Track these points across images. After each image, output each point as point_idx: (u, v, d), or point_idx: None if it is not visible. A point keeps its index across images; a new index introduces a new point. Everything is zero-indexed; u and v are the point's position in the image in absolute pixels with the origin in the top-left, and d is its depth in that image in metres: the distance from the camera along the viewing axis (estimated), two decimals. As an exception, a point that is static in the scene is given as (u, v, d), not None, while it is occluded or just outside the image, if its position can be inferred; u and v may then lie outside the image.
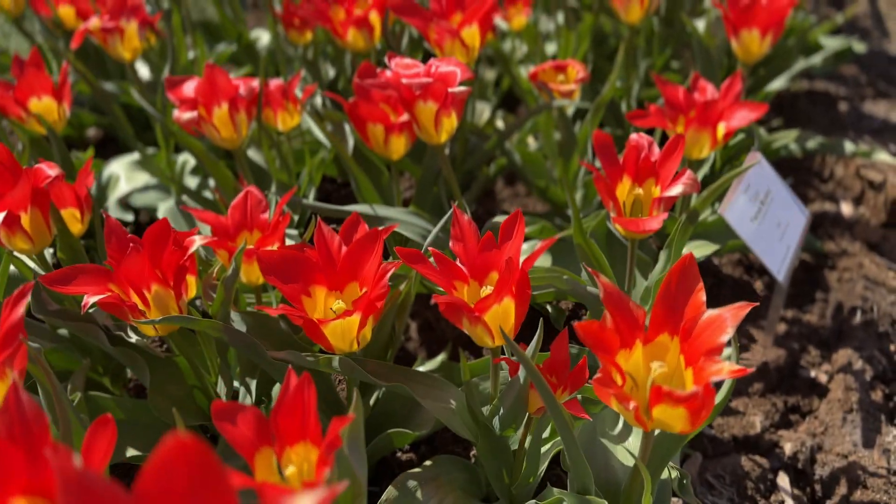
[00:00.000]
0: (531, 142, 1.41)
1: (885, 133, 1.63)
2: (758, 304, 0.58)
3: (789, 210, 0.95)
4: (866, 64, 2.03)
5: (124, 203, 1.21)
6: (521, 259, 0.71)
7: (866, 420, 0.92)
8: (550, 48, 1.57)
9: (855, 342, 1.02)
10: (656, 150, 0.81)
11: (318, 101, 1.14)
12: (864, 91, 1.82)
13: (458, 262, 0.69)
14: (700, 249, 1.15)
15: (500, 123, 1.43)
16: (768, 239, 0.89)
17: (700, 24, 1.56)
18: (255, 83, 0.95)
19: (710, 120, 0.99)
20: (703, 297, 0.56)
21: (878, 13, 2.26)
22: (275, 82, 1.05)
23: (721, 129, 1.00)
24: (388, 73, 0.88)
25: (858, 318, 1.07)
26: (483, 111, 1.41)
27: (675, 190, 0.75)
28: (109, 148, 1.47)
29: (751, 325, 1.10)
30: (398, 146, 0.96)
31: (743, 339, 1.07)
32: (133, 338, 0.76)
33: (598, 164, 1.13)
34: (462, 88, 0.82)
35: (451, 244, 0.70)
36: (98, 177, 1.21)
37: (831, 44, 1.73)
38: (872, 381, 0.98)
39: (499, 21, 1.40)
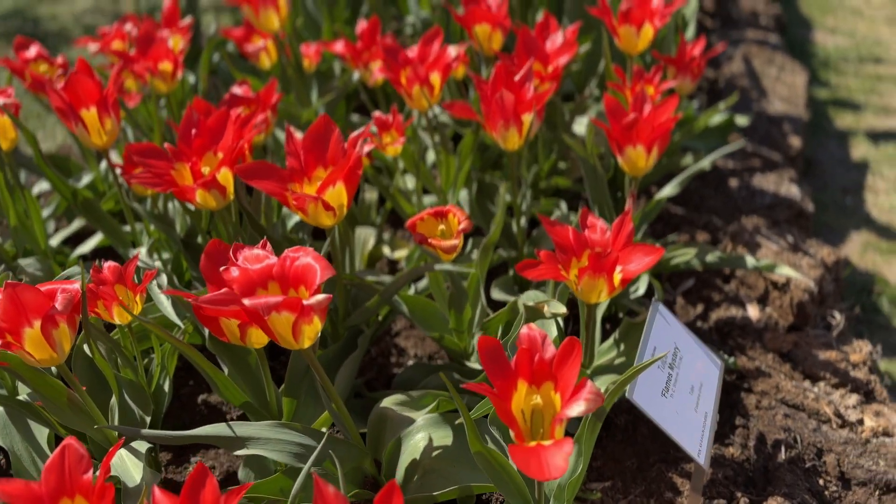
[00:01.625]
0: (421, 267, 1.30)
1: (778, 209, 1.61)
2: None
3: (701, 364, 0.87)
4: (749, 126, 2.04)
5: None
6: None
7: (809, 592, 0.83)
8: (433, 156, 1.47)
9: (783, 487, 0.95)
10: (550, 346, 0.70)
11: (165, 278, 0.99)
12: (752, 162, 1.81)
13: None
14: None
15: (386, 250, 1.31)
16: (683, 413, 0.81)
17: (583, 122, 1.51)
18: (76, 286, 0.79)
19: (604, 268, 0.90)
20: None
21: (754, 72, 2.30)
22: (109, 266, 0.90)
23: (618, 274, 0.91)
24: (235, 271, 0.75)
25: (783, 453, 1.00)
26: (367, 239, 1.29)
27: (577, 408, 0.65)
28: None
29: (673, 471, 1.02)
30: (259, 337, 0.83)
31: (667, 493, 0.98)
32: None
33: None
34: (321, 298, 0.69)
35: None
36: None
37: (715, 120, 1.72)
38: (808, 533, 0.91)
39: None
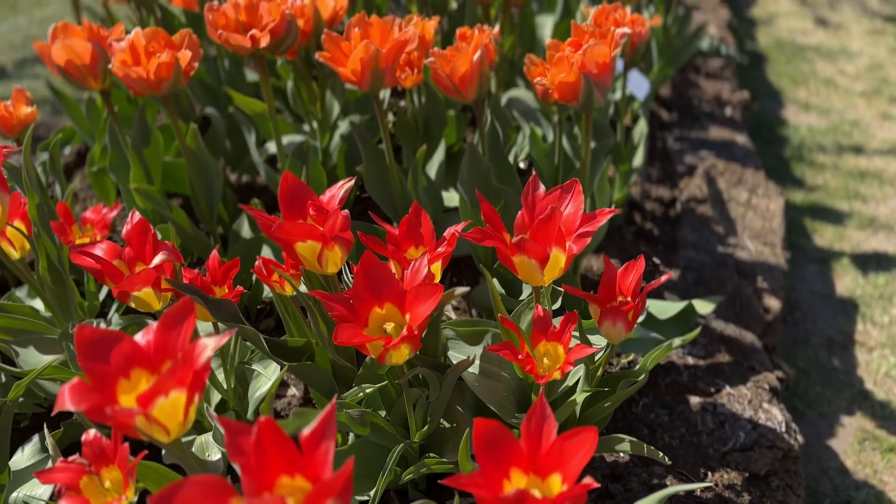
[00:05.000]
0: None
1: (756, 452, 1.15)
2: None
3: None
4: (715, 283, 1.59)
5: None
6: None
7: None
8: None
9: None
10: None
11: None
12: (718, 355, 1.35)
13: None
14: None
15: None
16: None
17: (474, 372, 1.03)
18: None
19: None
20: None
21: (720, 195, 1.85)
22: None
23: None
24: None
25: None
26: None
27: None
28: None
29: None
30: None
31: None
32: None
33: None
34: None
35: None
36: None
37: (670, 310, 1.26)
38: None
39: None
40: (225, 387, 1.02)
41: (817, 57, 3.38)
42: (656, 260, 1.65)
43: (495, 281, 1.20)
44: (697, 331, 0.94)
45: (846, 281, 2.01)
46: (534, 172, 0.88)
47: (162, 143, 1.27)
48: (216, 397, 1.03)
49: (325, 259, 0.86)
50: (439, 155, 1.41)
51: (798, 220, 2.23)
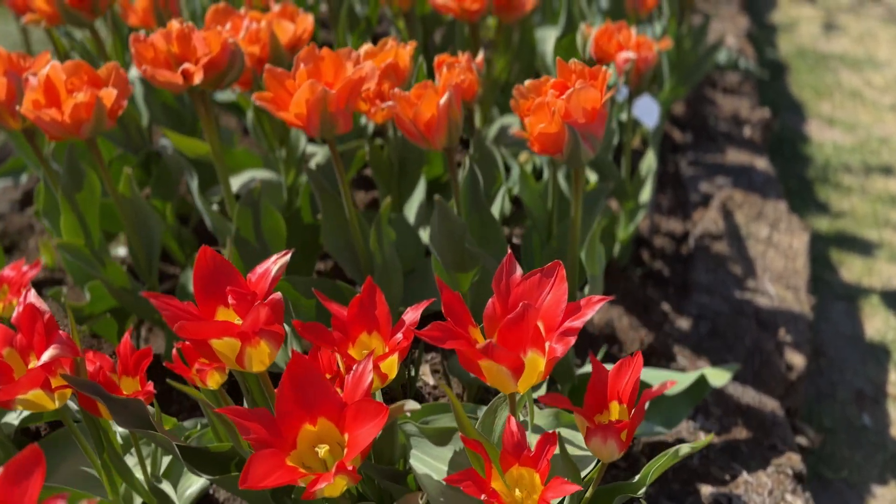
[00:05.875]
0: None
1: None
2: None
3: None
4: (730, 336, 1.41)
5: None
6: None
7: None
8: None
9: None
10: None
11: None
12: (734, 430, 1.18)
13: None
14: None
15: None
16: None
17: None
18: None
19: None
20: None
21: (737, 231, 1.67)
22: None
23: None
24: None
25: None
26: None
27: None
28: None
29: None
30: None
31: None
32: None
33: None
34: None
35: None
36: None
37: (678, 386, 1.09)
38: None
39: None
40: (146, 486, 0.86)
41: (842, 66, 3.17)
42: (666, 307, 1.48)
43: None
44: (710, 437, 0.77)
45: (876, 322, 1.82)
46: (509, 251, 0.71)
47: (98, 185, 1.12)
48: (137, 500, 0.87)
49: (248, 357, 0.69)
50: (419, 194, 1.25)
51: (823, 250, 2.04)
